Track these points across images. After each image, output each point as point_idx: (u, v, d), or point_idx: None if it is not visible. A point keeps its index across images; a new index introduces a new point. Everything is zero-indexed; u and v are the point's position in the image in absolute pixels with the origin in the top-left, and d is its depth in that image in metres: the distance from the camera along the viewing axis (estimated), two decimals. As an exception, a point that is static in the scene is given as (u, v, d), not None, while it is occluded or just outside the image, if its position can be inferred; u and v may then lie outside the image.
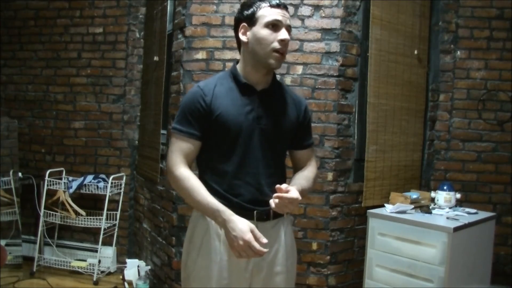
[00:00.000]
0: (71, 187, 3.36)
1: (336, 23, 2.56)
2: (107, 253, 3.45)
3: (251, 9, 1.43)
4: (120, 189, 3.48)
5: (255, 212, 1.44)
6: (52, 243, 3.50)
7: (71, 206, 3.36)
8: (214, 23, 2.63)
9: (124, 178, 3.52)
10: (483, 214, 2.64)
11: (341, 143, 2.61)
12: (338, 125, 2.59)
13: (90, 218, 3.37)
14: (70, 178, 3.46)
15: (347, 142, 2.65)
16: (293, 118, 1.54)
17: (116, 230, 3.44)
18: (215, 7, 2.63)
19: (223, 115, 1.41)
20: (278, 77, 2.57)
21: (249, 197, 1.43)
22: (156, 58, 3.12)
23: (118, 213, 3.44)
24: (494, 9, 3.00)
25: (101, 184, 3.37)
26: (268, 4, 1.42)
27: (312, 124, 2.55)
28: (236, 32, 1.49)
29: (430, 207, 2.65)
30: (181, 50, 2.70)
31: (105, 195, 3.31)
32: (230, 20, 2.54)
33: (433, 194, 2.76)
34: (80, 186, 3.37)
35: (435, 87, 3.06)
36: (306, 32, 2.59)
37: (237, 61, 1.53)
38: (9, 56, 3.78)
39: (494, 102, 3.00)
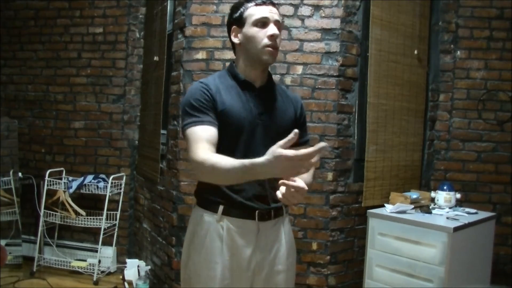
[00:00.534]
0: (71, 187, 3.36)
1: (336, 23, 2.56)
2: (107, 253, 3.45)
3: (239, 11, 1.47)
4: (120, 189, 3.48)
5: (257, 212, 1.44)
6: (52, 243, 3.50)
7: (71, 206, 3.36)
8: (214, 23, 2.63)
9: (124, 178, 3.52)
10: (483, 214, 2.64)
11: (341, 143, 2.61)
12: (338, 125, 2.59)
13: (90, 218, 3.37)
14: (70, 178, 3.46)
15: (347, 142, 2.65)
16: (291, 115, 1.55)
17: (116, 230, 3.43)
18: (215, 7, 2.63)
19: (228, 110, 1.41)
20: (278, 77, 2.59)
21: (252, 192, 1.43)
22: (156, 58, 3.12)
23: (118, 213, 3.44)
24: (494, 9, 3.00)
25: (101, 184, 3.37)
26: (254, 3, 1.44)
27: (312, 124, 2.58)
28: (230, 36, 1.51)
29: (430, 207, 2.65)
30: (181, 50, 2.70)
31: (105, 195, 3.31)
32: (230, 20, 2.54)
33: (433, 194, 2.76)
34: (80, 186, 3.37)
35: (435, 87, 3.06)
36: (306, 32, 2.58)
37: (233, 61, 1.54)
38: (9, 56, 3.78)
39: (494, 102, 3.00)
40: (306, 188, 1.21)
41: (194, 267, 1.47)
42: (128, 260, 3.30)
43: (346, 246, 2.67)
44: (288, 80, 2.60)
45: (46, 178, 3.37)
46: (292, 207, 2.51)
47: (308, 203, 2.57)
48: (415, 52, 2.92)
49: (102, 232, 3.26)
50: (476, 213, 2.63)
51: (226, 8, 2.61)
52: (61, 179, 3.49)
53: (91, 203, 3.53)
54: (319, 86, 2.58)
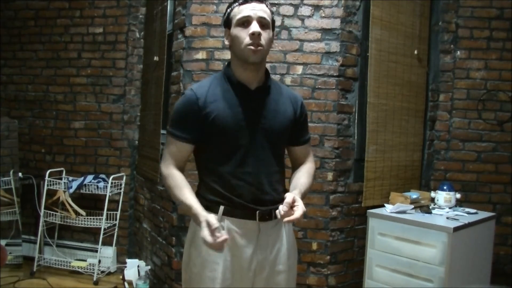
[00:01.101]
0: (71, 187, 3.36)
1: (336, 23, 2.56)
2: (107, 253, 3.45)
3: (226, 13, 1.48)
4: (120, 189, 3.48)
5: (257, 212, 1.44)
6: (52, 243, 3.50)
7: (71, 206, 3.36)
8: (214, 23, 2.63)
9: (124, 178, 3.52)
10: (483, 214, 2.64)
11: (341, 143, 2.61)
12: (338, 125, 2.59)
13: (90, 218, 3.37)
14: (70, 178, 3.46)
15: (347, 142, 2.65)
16: (290, 115, 1.53)
17: (116, 230, 3.43)
18: (215, 7, 2.63)
19: (219, 116, 1.42)
20: (278, 77, 2.59)
21: (250, 197, 1.44)
22: (156, 58, 3.12)
23: (118, 213, 3.44)
24: (494, 9, 3.00)
25: (101, 184, 3.37)
26: (238, 3, 1.44)
27: (312, 124, 2.58)
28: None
29: (430, 207, 2.65)
30: (181, 50, 2.70)
31: (105, 195, 3.31)
32: (230, 20, 2.54)
33: (433, 194, 2.76)
34: (80, 186, 3.37)
35: (435, 87, 3.06)
36: (306, 32, 2.59)
37: (228, 63, 1.53)
38: (9, 56, 3.78)
39: (494, 102, 3.00)
40: (305, 210, 1.36)
41: (195, 268, 1.47)
42: (128, 260, 3.31)
43: (346, 246, 2.67)
44: (288, 80, 2.60)
45: (46, 178, 3.38)
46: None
47: (308, 203, 2.57)
48: (415, 52, 2.92)
49: (102, 232, 3.26)
50: (476, 213, 2.63)
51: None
52: (61, 179, 3.49)
53: (91, 203, 3.53)
54: (319, 86, 2.58)
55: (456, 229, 2.27)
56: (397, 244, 2.43)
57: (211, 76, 1.54)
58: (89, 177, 3.42)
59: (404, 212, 2.53)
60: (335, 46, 2.57)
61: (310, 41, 2.58)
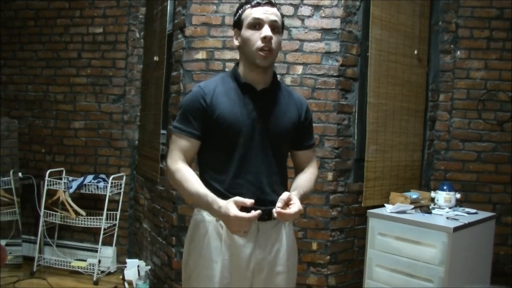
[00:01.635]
0: (71, 187, 3.36)
1: (336, 23, 2.56)
2: (107, 253, 3.45)
3: (238, 14, 1.49)
4: (120, 189, 3.48)
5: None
6: (52, 243, 3.50)
7: (71, 206, 3.36)
8: (214, 23, 2.63)
9: (124, 178, 3.52)
10: (483, 214, 2.64)
11: (341, 143, 2.61)
12: (338, 125, 2.59)
13: (90, 218, 3.37)
14: (70, 178, 3.46)
15: (347, 142, 2.65)
16: (294, 118, 1.54)
17: (116, 230, 3.44)
18: (215, 7, 2.63)
19: (224, 114, 1.42)
20: (278, 77, 2.59)
21: (250, 196, 1.43)
22: (156, 58, 3.12)
23: (118, 213, 3.44)
24: (494, 9, 3.00)
25: (101, 184, 3.37)
26: (250, 5, 1.45)
27: (312, 124, 2.57)
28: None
29: (430, 207, 2.65)
30: (181, 50, 2.70)
31: (105, 195, 3.31)
32: (230, 20, 2.54)
33: (433, 194, 2.76)
34: (80, 186, 3.37)
35: (435, 87, 3.06)
36: (306, 32, 2.59)
37: (237, 63, 1.54)
38: (9, 56, 3.78)
39: (494, 102, 3.00)
40: (301, 209, 1.37)
41: (194, 267, 1.48)
42: (128, 260, 3.30)
43: (346, 246, 2.67)
44: (288, 80, 2.60)
45: (46, 178, 3.38)
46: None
47: (308, 203, 2.58)
48: (415, 52, 2.92)
49: (102, 232, 3.26)
50: (476, 213, 2.63)
51: (226, 8, 2.62)
52: (61, 179, 3.49)
53: (91, 203, 3.53)
54: (319, 86, 2.58)
55: (456, 229, 2.27)
56: (397, 244, 2.43)
57: (219, 75, 1.56)
58: (89, 177, 3.42)
59: (404, 212, 2.53)
60: (335, 46, 2.57)
61: (310, 41, 2.58)
